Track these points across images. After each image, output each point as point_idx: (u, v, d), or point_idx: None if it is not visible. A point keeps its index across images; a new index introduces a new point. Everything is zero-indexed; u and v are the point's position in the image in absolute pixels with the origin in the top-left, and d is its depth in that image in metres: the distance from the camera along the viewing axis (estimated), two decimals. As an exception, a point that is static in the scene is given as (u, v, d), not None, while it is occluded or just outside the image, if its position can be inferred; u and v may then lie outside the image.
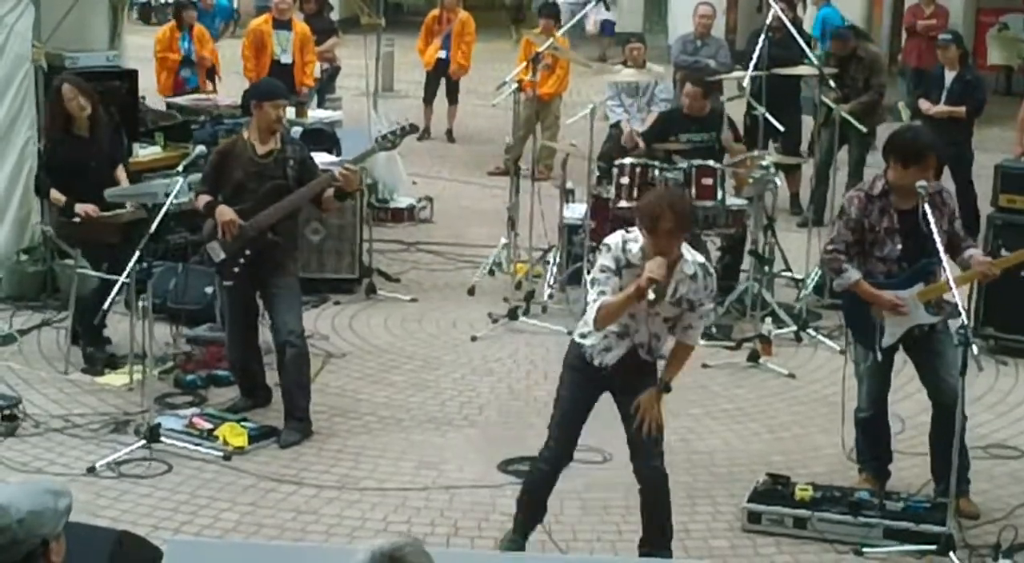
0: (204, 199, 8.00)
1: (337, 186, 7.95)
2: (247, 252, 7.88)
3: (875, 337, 6.94)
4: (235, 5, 24.21)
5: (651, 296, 5.80)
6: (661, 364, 6.27)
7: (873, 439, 7.24)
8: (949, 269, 6.62)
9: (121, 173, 9.08)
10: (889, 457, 7.31)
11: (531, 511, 6.41)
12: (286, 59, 13.51)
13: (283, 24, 13.56)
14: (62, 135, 8.73)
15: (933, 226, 6.59)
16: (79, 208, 8.64)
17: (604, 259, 6.02)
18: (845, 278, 6.94)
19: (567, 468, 7.23)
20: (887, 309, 6.86)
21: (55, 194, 8.73)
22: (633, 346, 6.11)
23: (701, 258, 6.10)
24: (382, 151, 8.69)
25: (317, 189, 7.95)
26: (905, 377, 7.41)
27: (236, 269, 7.93)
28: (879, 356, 6.98)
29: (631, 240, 5.99)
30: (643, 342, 6.11)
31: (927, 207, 6.66)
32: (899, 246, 6.86)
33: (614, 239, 6.05)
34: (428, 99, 16.40)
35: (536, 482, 6.42)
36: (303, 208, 8.21)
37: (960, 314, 6.47)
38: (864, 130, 11.93)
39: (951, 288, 6.59)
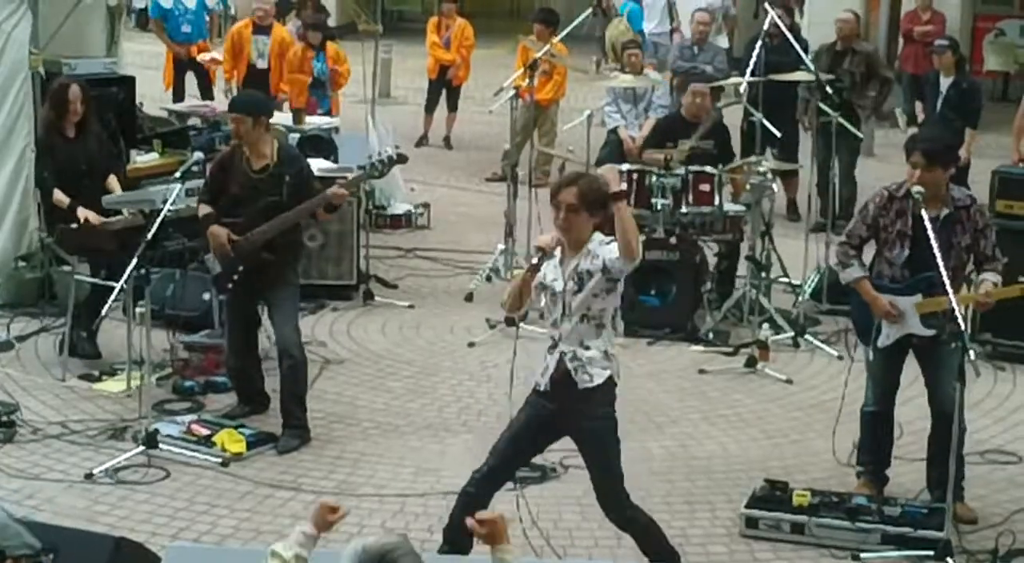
0: (204, 209, 8.03)
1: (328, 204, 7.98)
2: (241, 268, 7.88)
3: (871, 335, 6.97)
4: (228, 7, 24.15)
5: (533, 260, 5.85)
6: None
7: (875, 436, 7.24)
8: (951, 287, 6.56)
9: (113, 182, 9.12)
10: (888, 461, 7.31)
11: (454, 536, 6.18)
12: (262, 64, 13.59)
13: (263, 29, 13.63)
14: (54, 136, 8.85)
15: (933, 240, 6.57)
16: (81, 213, 8.68)
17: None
18: (848, 273, 6.98)
19: (564, 474, 7.27)
20: (880, 314, 6.88)
21: (58, 195, 8.79)
22: (560, 357, 5.97)
23: (604, 236, 5.95)
24: (370, 178, 8.72)
25: (310, 210, 7.94)
26: (904, 382, 7.41)
27: (230, 284, 7.94)
28: (871, 355, 7.02)
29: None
30: (568, 350, 5.95)
31: (926, 220, 6.64)
32: (907, 251, 6.86)
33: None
34: (430, 108, 16.39)
35: (460, 505, 6.19)
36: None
37: (958, 320, 6.48)
38: (861, 136, 11.94)
39: (952, 304, 6.54)
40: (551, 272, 5.97)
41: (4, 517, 4.06)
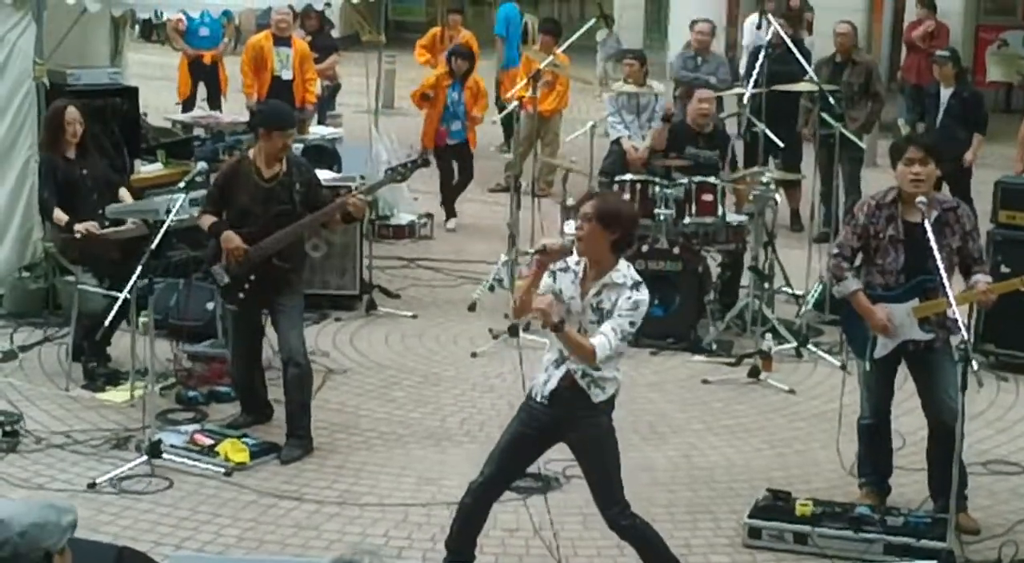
0: (208, 219, 8.00)
1: (345, 212, 7.96)
2: (252, 277, 7.88)
3: (867, 347, 6.97)
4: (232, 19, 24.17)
5: (533, 250, 6.08)
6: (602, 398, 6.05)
7: (873, 448, 7.24)
8: (949, 287, 6.59)
9: (125, 195, 9.14)
10: (889, 471, 7.31)
11: (456, 548, 6.25)
12: (287, 75, 13.53)
13: (283, 41, 13.60)
14: (56, 156, 8.87)
15: (933, 242, 6.58)
16: (79, 226, 8.69)
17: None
18: (844, 286, 6.98)
19: (566, 484, 7.27)
20: (876, 328, 6.88)
21: (58, 213, 8.80)
22: (567, 373, 5.98)
23: (638, 277, 5.92)
24: (392, 182, 8.68)
25: (325, 218, 7.96)
26: (905, 393, 7.42)
27: (241, 294, 7.94)
28: (868, 366, 7.02)
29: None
30: (578, 368, 5.95)
31: (926, 223, 6.65)
32: (902, 257, 6.87)
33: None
34: None
35: (459, 516, 6.26)
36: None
37: (961, 330, 6.48)
38: (863, 146, 11.93)
39: (950, 306, 6.57)
40: (568, 288, 5.94)
41: (38, 513, 3.97)
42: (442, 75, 13.16)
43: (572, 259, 5.96)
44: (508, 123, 14.38)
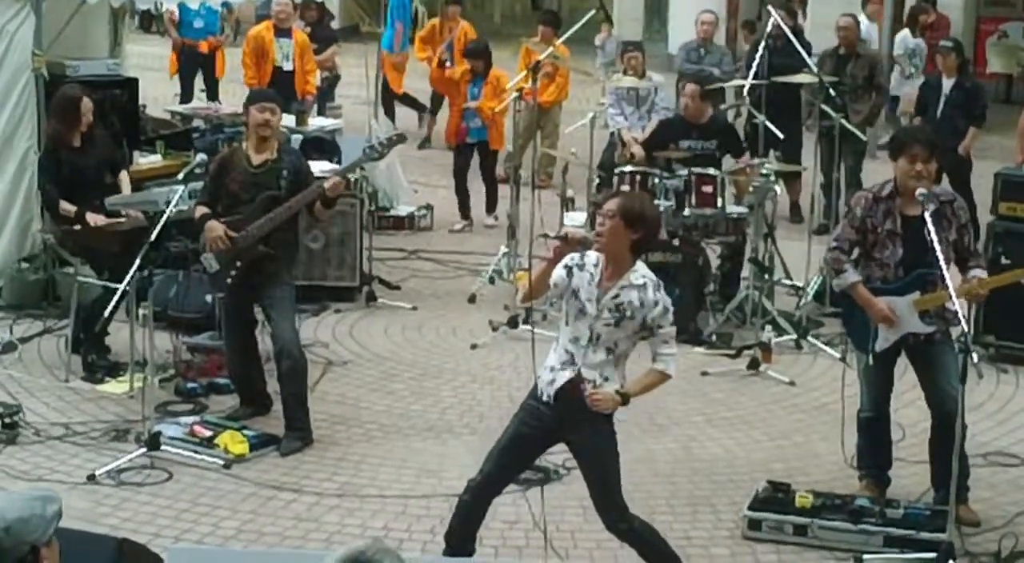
0: (200, 210, 8.04)
1: (324, 197, 7.96)
2: (239, 263, 7.88)
3: (869, 340, 6.96)
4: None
5: (553, 235, 6.13)
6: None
7: (873, 441, 7.25)
8: (950, 279, 6.59)
9: (124, 178, 9.13)
10: (889, 464, 7.31)
11: (455, 542, 6.22)
12: (288, 67, 13.52)
13: (284, 32, 13.58)
14: (61, 148, 8.87)
15: (933, 235, 6.56)
16: (90, 218, 8.69)
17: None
18: (843, 279, 6.97)
19: (567, 476, 7.26)
20: (878, 319, 6.87)
21: (65, 205, 8.79)
22: (575, 378, 5.94)
23: (655, 278, 5.95)
24: (369, 161, 8.72)
25: (305, 201, 7.93)
26: (906, 384, 7.42)
27: (229, 280, 7.94)
28: (870, 360, 7.01)
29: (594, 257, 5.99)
30: (589, 376, 5.93)
31: (927, 215, 6.64)
32: (900, 250, 6.87)
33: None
34: (433, 110, 16.38)
35: (458, 513, 6.25)
36: (302, 217, 8.22)
37: (960, 322, 6.47)
38: (864, 139, 11.91)
39: (951, 298, 6.57)
40: (585, 288, 5.91)
41: (22, 506, 3.95)
42: (465, 72, 13.10)
43: (590, 259, 5.93)
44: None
